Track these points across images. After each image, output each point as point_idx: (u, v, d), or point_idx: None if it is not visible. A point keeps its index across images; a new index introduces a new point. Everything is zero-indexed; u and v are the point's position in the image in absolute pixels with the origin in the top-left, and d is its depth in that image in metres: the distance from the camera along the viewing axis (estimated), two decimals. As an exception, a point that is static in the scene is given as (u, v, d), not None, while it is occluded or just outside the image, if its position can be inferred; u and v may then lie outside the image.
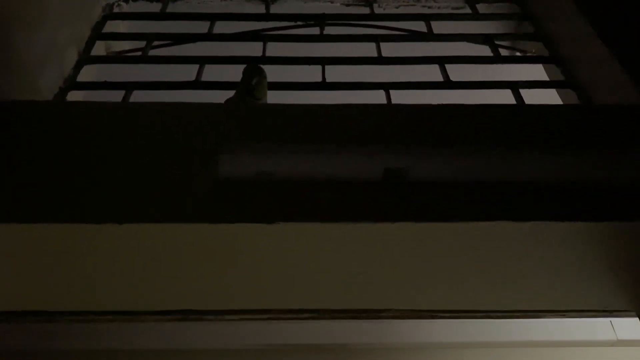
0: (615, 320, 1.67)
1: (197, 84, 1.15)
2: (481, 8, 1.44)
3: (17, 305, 0.85)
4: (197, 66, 1.20)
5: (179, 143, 0.81)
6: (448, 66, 1.21)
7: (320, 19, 1.38)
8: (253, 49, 1.29)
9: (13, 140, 0.81)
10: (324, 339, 1.96)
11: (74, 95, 1.14)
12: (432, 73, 1.22)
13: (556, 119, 0.90)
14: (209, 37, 1.32)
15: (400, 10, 1.47)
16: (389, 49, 1.29)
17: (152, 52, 1.29)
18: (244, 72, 1.08)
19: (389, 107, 1.00)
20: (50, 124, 0.85)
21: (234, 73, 1.12)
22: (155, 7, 1.44)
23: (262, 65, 1.11)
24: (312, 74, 1.21)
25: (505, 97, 1.16)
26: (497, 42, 1.31)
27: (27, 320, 0.95)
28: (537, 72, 1.32)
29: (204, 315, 0.93)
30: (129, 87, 1.13)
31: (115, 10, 1.41)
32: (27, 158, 0.79)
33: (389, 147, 0.77)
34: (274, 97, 1.11)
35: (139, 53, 1.29)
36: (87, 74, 1.22)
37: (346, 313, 0.93)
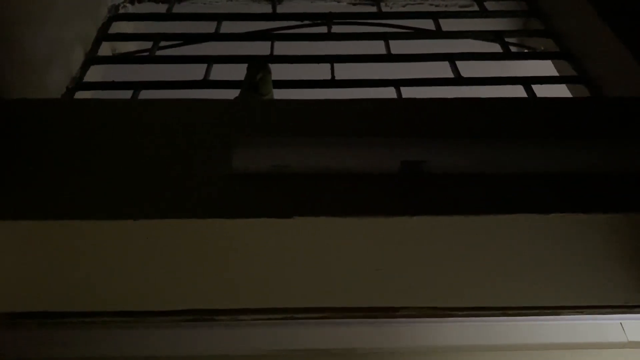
0: (625, 321, 1.65)
1: (205, 83, 1.14)
2: (489, 5, 1.43)
3: (23, 306, 0.84)
4: (204, 66, 1.19)
5: (190, 138, 0.79)
6: (458, 64, 1.20)
7: (328, 18, 1.37)
8: (261, 48, 1.28)
9: (23, 137, 0.80)
10: (332, 343, 1.94)
11: (81, 96, 1.13)
12: (441, 71, 1.21)
13: (571, 111, 0.88)
14: (217, 37, 1.31)
15: (408, 9, 1.46)
16: (398, 47, 1.28)
17: (158, 53, 1.28)
18: (248, 68, 1.07)
19: (404, 101, 0.98)
20: (59, 121, 0.84)
21: (243, 72, 1.11)
22: (161, 8, 1.44)
23: (270, 64, 1.10)
24: (320, 72, 1.20)
25: (516, 94, 1.15)
26: (506, 40, 1.30)
27: (29, 323, 0.94)
28: (547, 69, 1.31)
29: (216, 316, 0.92)
30: (137, 86, 1.12)
31: (121, 11, 1.40)
32: (36, 155, 0.78)
33: (405, 139, 0.75)
34: (282, 96, 1.09)
35: (146, 54, 1.28)
36: (94, 74, 1.21)
37: (362, 311, 0.92)
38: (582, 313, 0.94)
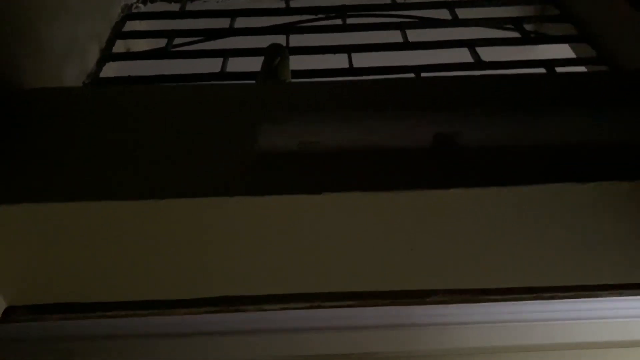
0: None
1: (222, 75, 1.13)
2: (504, -7, 1.42)
3: (43, 298, 0.81)
4: (220, 61, 1.18)
5: (214, 121, 0.78)
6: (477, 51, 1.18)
7: (342, 11, 1.36)
8: (276, 42, 1.27)
9: (49, 123, 0.79)
10: (352, 348, 1.90)
11: (97, 91, 1.11)
12: (460, 59, 1.19)
13: (601, 82, 0.86)
14: (232, 32, 1.30)
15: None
16: (414, 37, 1.26)
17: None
18: (265, 53, 1.05)
19: (428, 80, 0.96)
20: (82, 106, 0.82)
21: (259, 65, 1.09)
22: (174, 7, 1.43)
23: (287, 56, 1.09)
24: (337, 64, 1.19)
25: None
26: (524, 26, 1.29)
27: (48, 318, 0.91)
28: (565, 54, 1.29)
29: (242, 306, 0.89)
30: (153, 80, 1.11)
31: (134, 10, 1.39)
32: (60, 140, 0.76)
33: (438, 112, 0.73)
34: (301, 86, 1.07)
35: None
36: (109, 72, 1.20)
37: (393, 297, 0.89)
38: (621, 294, 0.90)
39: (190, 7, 1.44)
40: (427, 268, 0.78)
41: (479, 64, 1.13)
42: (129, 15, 1.36)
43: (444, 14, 1.35)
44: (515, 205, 0.70)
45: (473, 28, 1.31)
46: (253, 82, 1.08)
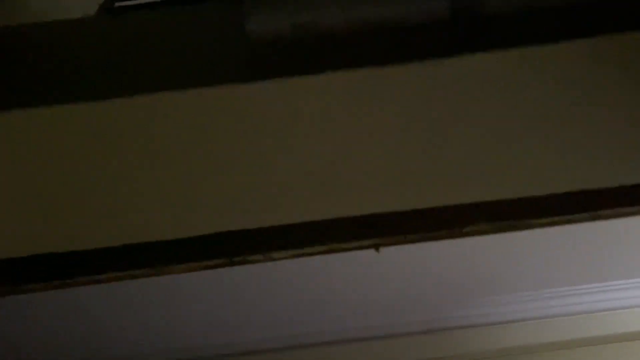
0: None
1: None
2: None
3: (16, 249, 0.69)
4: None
5: (202, 20, 0.69)
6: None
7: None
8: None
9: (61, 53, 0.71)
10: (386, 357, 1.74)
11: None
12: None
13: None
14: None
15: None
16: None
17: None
18: None
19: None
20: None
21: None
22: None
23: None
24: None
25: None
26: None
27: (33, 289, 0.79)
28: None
29: (251, 255, 0.77)
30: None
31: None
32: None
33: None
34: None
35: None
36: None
37: (422, 230, 0.75)
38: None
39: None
40: (456, 172, 0.65)
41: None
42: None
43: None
44: (553, 66, 0.59)
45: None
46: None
